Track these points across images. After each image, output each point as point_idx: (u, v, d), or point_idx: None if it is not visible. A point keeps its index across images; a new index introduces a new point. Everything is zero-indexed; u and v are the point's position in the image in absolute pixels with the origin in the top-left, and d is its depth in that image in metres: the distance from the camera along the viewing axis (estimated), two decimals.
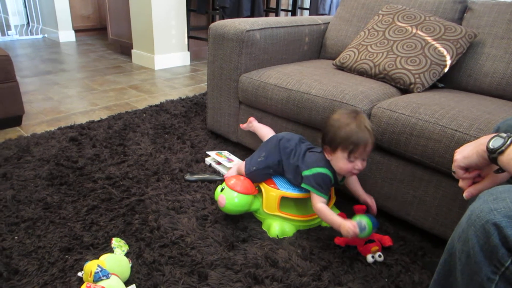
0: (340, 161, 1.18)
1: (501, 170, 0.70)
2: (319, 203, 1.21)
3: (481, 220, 0.55)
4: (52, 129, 1.98)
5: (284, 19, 1.89)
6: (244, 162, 1.43)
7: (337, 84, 1.46)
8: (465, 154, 0.74)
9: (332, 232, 1.28)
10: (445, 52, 1.54)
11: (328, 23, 2.08)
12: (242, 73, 1.71)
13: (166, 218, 1.31)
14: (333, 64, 1.79)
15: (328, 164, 1.23)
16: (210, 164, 1.70)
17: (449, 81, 1.64)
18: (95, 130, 1.98)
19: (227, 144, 1.91)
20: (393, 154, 1.30)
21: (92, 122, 2.09)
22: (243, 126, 1.71)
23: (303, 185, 1.24)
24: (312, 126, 1.49)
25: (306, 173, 1.25)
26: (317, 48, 2.08)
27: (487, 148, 0.67)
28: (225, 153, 1.77)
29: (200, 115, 2.28)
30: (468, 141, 1.10)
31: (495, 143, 0.65)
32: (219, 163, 1.69)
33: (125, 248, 1.11)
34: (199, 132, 2.03)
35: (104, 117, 2.17)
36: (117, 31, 3.79)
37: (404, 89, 1.54)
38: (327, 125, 1.21)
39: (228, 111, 1.83)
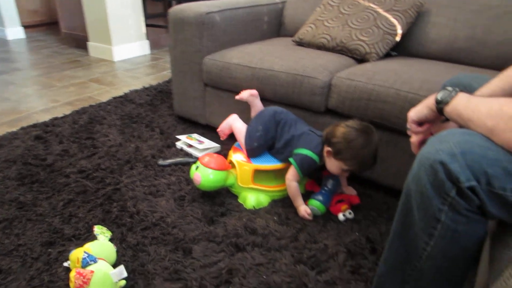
0: (334, 166, 1.24)
1: (447, 119, 0.79)
2: (294, 180, 1.29)
3: (429, 160, 0.64)
4: (14, 129, 1.93)
5: (242, 0, 1.92)
6: (240, 129, 1.45)
7: (298, 59, 1.52)
8: (417, 108, 0.84)
9: (306, 197, 1.36)
10: (396, 22, 1.63)
11: (286, 1, 2.12)
12: (205, 55, 1.73)
13: (144, 202, 1.35)
14: (293, 41, 1.85)
15: (321, 153, 1.28)
16: (182, 148, 1.74)
17: (401, 49, 1.74)
18: (60, 126, 1.95)
19: (197, 127, 1.94)
20: None
21: (56, 119, 2.05)
22: (243, 93, 1.54)
23: (290, 159, 1.30)
24: (278, 101, 1.55)
25: (299, 150, 1.30)
26: (276, 26, 2.12)
27: (436, 99, 0.76)
28: (195, 135, 1.81)
29: (166, 102, 2.29)
30: (419, 101, 1.19)
31: (443, 95, 0.74)
32: (190, 146, 1.73)
33: (108, 234, 1.13)
34: (167, 119, 2.05)
35: (67, 113, 2.13)
36: (69, 24, 3.66)
37: (360, 59, 1.62)
38: (338, 132, 1.19)
39: (194, 94, 1.85)
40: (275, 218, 1.28)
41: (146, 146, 1.75)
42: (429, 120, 0.83)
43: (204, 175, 1.31)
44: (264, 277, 1.03)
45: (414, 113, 0.84)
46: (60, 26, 3.77)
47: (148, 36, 3.59)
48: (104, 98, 2.38)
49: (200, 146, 1.69)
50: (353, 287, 1.01)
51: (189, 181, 1.47)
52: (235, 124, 1.50)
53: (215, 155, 1.36)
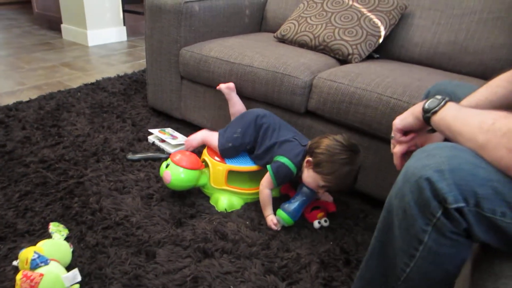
0: (311, 179, 1.16)
1: (433, 130, 0.75)
2: (267, 188, 1.23)
3: (415, 176, 0.59)
4: None
5: None
6: (213, 133, 1.36)
7: (279, 56, 1.46)
8: (402, 117, 0.79)
9: (280, 201, 1.31)
10: (379, 23, 1.59)
11: None
12: (182, 46, 1.65)
13: (108, 199, 1.26)
14: (274, 37, 1.79)
15: (300, 163, 1.21)
16: (153, 142, 1.65)
17: (383, 51, 1.70)
18: (24, 111, 1.82)
19: (171, 121, 1.86)
20: (335, 122, 1.35)
21: (20, 103, 1.92)
22: (222, 85, 1.49)
23: (268, 166, 1.23)
24: (256, 99, 1.49)
25: (278, 158, 1.23)
26: (258, 20, 2.05)
27: (423, 108, 0.71)
28: (169, 130, 1.72)
29: (140, 92, 2.18)
30: (401, 107, 1.17)
31: (431, 104, 0.69)
32: (162, 140, 1.64)
33: (65, 232, 1.05)
34: (140, 110, 1.95)
35: (33, 97, 2.00)
36: (43, 4, 3.47)
37: (343, 60, 1.58)
38: (323, 144, 1.14)
39: (170, 87, 1.76)
40: (247, 222, 1.22)
41: (115, 138, 1.65)
42: (414, 130, 0.79)
43: (174, 173, 1.23)
44: (231, 287, 0.97)
45: (400, 121, 0.79)
46: (33, 5, 3.57)
47: (126, 23, 3.45)
48: (75, 84, 2.25)
49: (173, 142, 1.61)
50: None
51: (159, 178, 1.39)
52: (206, 133, 1.40)
53: (188, 152, 1.29)
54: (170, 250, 1.08)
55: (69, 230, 1.10)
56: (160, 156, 1.53)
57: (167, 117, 1.89)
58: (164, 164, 1.27)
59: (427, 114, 0.70)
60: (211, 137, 1.36)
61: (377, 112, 1.21)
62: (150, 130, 1.71)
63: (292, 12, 1.86)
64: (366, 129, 1.25)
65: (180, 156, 1.26)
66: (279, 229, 1.19)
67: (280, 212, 1.18)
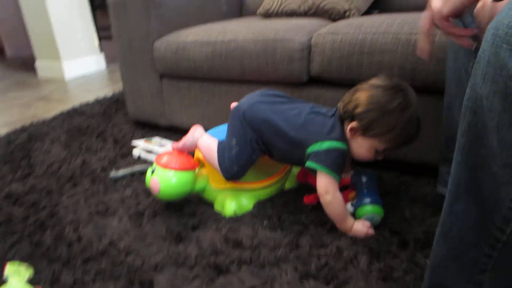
0: (364, 148, 0.88)
1: None
2: (332, 191, 0.87)
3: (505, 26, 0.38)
4: None
5: None
6: (210, 144, 1.01)
7: (266, 25, 1.24)
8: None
9: (299, 192, 1.06)
10: None
11: None
12: (156, 39, 1.43)
13: (89, 225, 1.01)
14: (258, 15, 1.57)
15: (344, 137, 0.89)
16: (139, 155, 1.41)
17: (382, 6, 1.48)
18: None
19: (157, 131, 1.62)
20: (347, 84, 1.10)
21: None
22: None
23: (310, 164, 0.88)
24: (248, 79, 1.26)
25: (315, 147, 0.88)
26: (237, 8, 1.85)
27: None
28: (156, 139, 1.49)
29: (122, 110, 1.96)
30: None
31: None
32: (149, 151, 1.40)
33: (27, 273, 0.80)
34: (123, 126, 1.72)
35: (3, 133, 1.77)
36: (15, 47, 3.30)
37: (339, 20, 1.35)
38: (362, 98, 0.84)
39: (150, 90, 1.54)
40: (265, 222, 0.97)
41: (95, 158, 1.41)
42: (464, 8, 0.57)
43: (163, 179, 0.98)
44: None
45: (444, 4, 0.57)
46: (4, 51, 3.41)
47: (103, 49, 3.26)
48: (51, 114, 2.03)
49: (162, 150, 1.37)
50: None
51: (150, 192, 1.14)
52: (202, 139, 1.04)
53: (177, 152, 1.05)
54: (172, 274, 0.82)
55: (39, 271, 0.85)
56: (148, 168, 1.29)
57: (152, 127, 1.66)
58: (149, 171, 1.03)
59: None
60: (208, 152, 1.01)
61: (396, 55, 0.97)
62: (134, 142, 1.47)
63: None
64: None
65: (168, 157, 1.01)
66: (374, 232, 0.89)
67: (367, 208, 0.89)
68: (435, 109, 0.97)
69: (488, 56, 0.41)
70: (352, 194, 0.96)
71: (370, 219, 0.89)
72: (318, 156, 0.87)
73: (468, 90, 0.45)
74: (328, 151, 0.87)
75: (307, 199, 1.01)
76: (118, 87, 2.54)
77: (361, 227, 0.87)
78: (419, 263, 0.78)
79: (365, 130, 0.85)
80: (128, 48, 1.50)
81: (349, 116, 0.86)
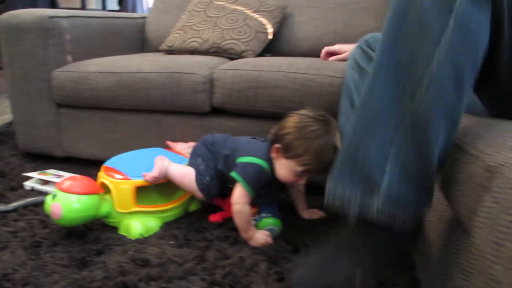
0: (285, 170, 0.96)
1: None
2: (244, 204, 0.96)
3: None
4: None
5: (95, 12, 1.66)
6: (187, 169, 1.09)
7: (170, 59, 1.34)
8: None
9: (204, 212, 1.13)
10: (265, 21, 1.60)
11: (146, 17, 1.94)
12: (54, 69, 1.40)
13: None
14: (160, 51, 1.66)
15: (268, 157, 0.99)
16: (33, 187, 1.32)
17: (273, 50, 1.71)
18: None
19: (53, 163, 1.54)
20: (246, 115, 1.25)
21: None
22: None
23: (232, 173, 0.99)
24: (154, 109, 1.32)
25: (240, 160, 1.00)
26: (138, 43, 1.91)
27: None
28: (51, 171, 1.41)
29: (8, 143, 1.80)
30: (310, 80, 1.13)
31: None
32: (46, 182, 1.33)
33: None
34: (10, 160, 1.59)
35: None
36: None
37: (237, 59, 1.52)
38: (288, 123, 0.96)
39: (45, 120, 1.47)
40: (171, 242, 1.01)
41: None
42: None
43: (65, 204, 0.96)
44: None
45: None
46: None
47: None
48: None
49: (60, 180, 1.31)
50: None
51: (47, 223, 1.09)
52: (172, 167, 1.09)
53: (79, 176, 1.04)
54: None
55: None
56: (44, 199, 1.22)
57: (46, 159, 1.56)
58: (49, 197, 0.99)
59: None
60: (183, 178, 1.08)
61: (286, 90, 1.15)
62: (27, 174, 1.38)
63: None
64: (280, 111, 1.17)
65: (71, 182, 1.00)
66: (272, 241, 0.98)
67: (268, 220, 1.00)
68: None
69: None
70: (254, 210, 1.07)
71: (270, 230, 1.00)
72: (239, 167, 0.99)
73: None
74: (248, 164, 0.98)
75: (213, 218, 1.08)
76: (2, 120, 2.32)
77: (261, 235, 0.98)
78: None
79: (285, 151, 0.94)
80: (22, 76, 1.43)
81: (276, 138, 0.97)
